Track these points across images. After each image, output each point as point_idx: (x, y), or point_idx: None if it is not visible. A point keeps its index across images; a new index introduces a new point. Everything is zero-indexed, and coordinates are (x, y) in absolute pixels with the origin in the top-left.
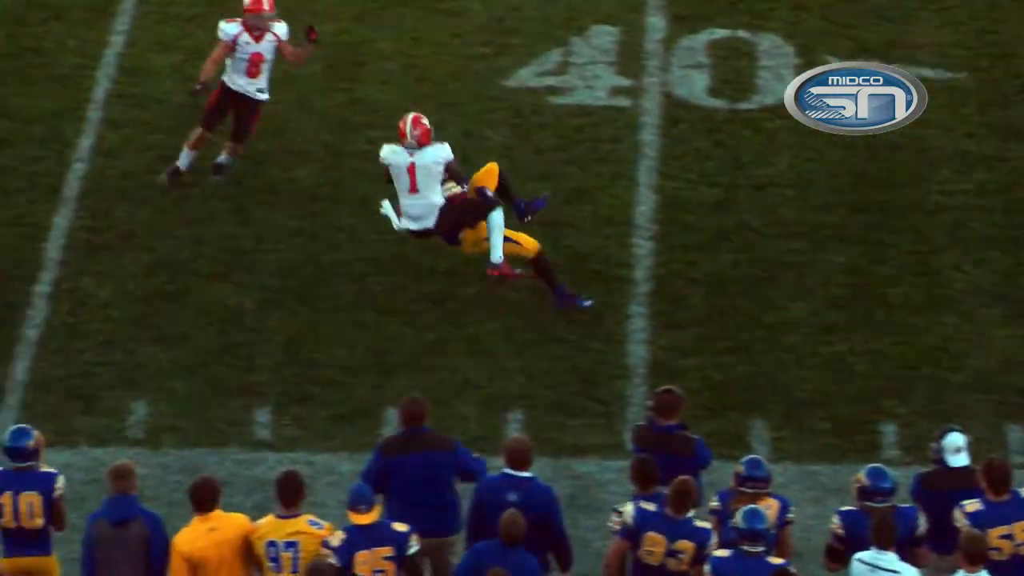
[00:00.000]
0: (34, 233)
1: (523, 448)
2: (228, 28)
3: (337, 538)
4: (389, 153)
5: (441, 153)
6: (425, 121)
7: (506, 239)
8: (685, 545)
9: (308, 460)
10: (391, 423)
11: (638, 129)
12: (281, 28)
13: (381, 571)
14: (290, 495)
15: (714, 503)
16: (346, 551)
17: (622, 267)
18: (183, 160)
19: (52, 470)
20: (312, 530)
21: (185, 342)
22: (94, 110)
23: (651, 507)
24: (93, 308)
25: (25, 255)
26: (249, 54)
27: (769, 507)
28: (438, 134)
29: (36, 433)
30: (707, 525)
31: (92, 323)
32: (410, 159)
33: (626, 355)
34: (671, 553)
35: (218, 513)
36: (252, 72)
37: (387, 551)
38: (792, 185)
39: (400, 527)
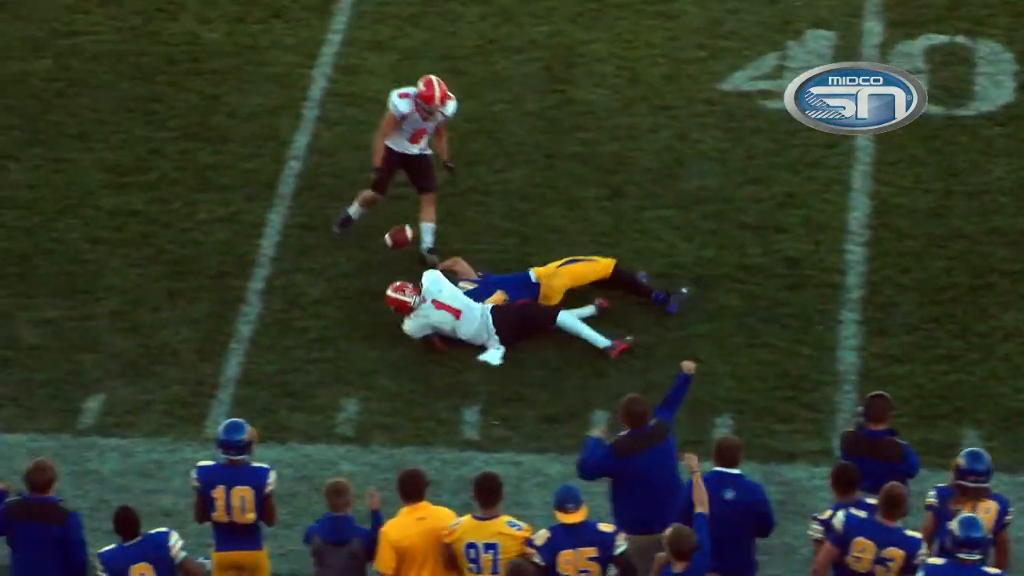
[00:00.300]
0: (249, 230)
1: (734, 446)
2: (401, 106)
3: (541, 537)
4: (422, 321)
5: (436, 277)
6: (410, 285)
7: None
8: (894, 552)
9: (515, 460)
10: (599, 425)
11: (853, 134)
12: (450, 107)
13: (586, 571)
14: (488, 496)
15: (931, 498)
16: (550, 550)
17: (833, 273)
18: (354, 211)
19: (264, 465)
20: (511, 531)
21: (396, 341)
22: (310, 108)
23: (861, 513)
24: (305, 305)
25: (240, 252)
26: (415, 129)
27: (988, 510)
28: (650, 137)
29: (249, 428)
30: (917, 535)
31: (304, 320)
32: (436, 308)
33: (836, 361)
34: (880, 560)
35: (426, 504)
36: (414, 140)
37: (592, 551)
38: (1008, 192)
39: (606, 527)
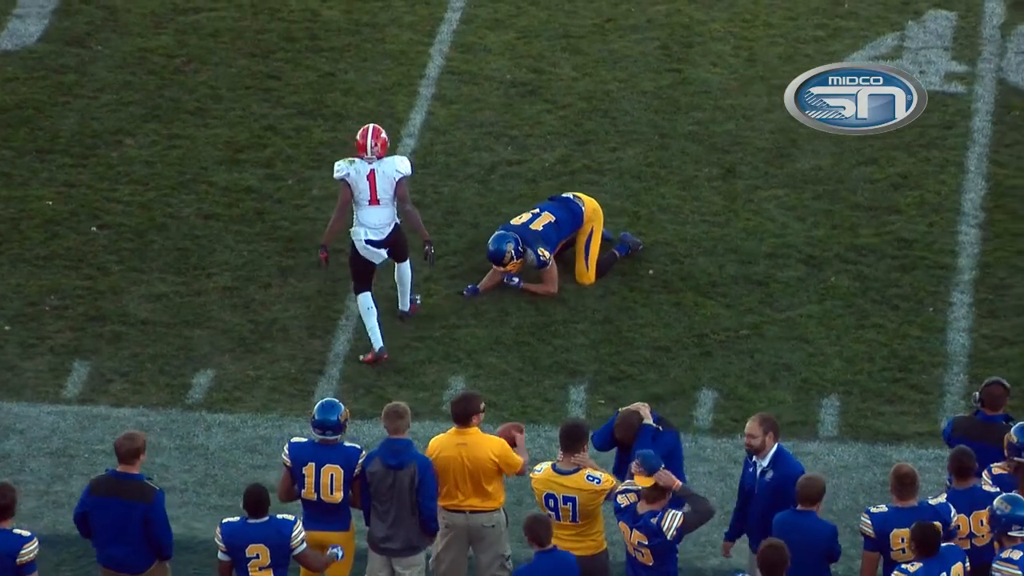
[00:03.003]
0: None
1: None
2: None
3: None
4: (346, 165)
5: (402, 165)
6: (384, 134)
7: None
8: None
9: None
10: (705, 404)
11: (970, 116)
12: None
13: (639, 551)
14: (569, 443)
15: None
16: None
17: (946, 254)
18: None
19: (357, 446)
20: (591, 486)
21: (504, 319)
22: (426, 86)
23: (883, 508)
24: (415, 283)
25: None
26: None
27: None
28: (766, 117)
29: (344, 408)
30: (941, 499)
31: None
32: (370, 167)
33: (946, 343)
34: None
35: (474, 431)
36: None
37: (642, 537)
38: None
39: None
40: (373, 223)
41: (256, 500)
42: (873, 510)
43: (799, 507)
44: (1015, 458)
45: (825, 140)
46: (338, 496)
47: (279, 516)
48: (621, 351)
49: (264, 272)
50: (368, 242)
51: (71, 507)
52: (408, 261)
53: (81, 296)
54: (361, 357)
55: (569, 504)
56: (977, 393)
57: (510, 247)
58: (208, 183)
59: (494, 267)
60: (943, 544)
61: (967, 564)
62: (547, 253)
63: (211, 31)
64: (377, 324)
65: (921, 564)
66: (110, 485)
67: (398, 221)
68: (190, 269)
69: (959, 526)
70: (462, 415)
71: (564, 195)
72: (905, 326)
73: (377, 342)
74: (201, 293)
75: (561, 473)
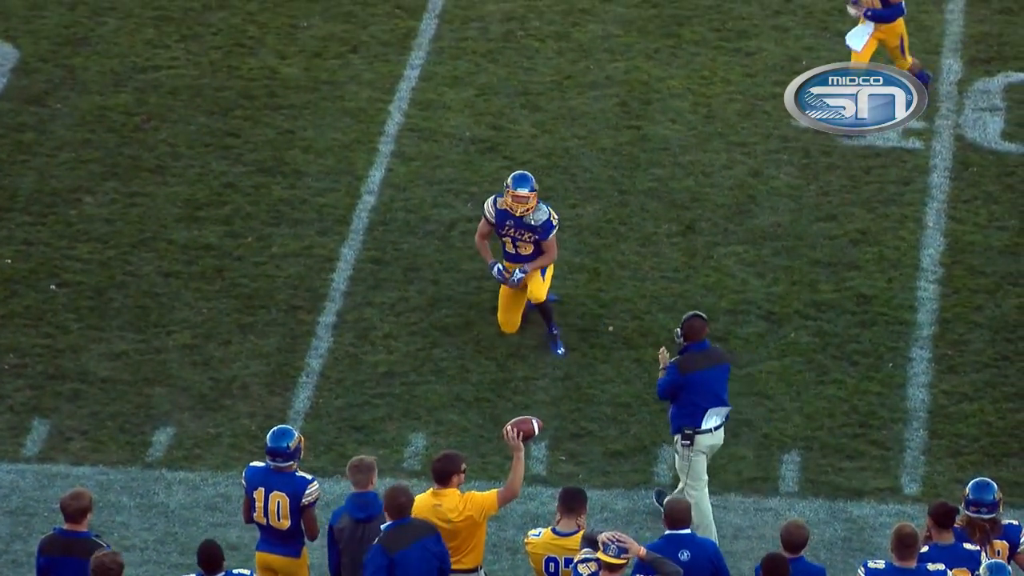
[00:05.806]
0: (322, 264)
1: (685, 508)
2: None
3: None
4: None
5: None
6: None
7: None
8: None
9: None
10: (666, 460)
11: (928, 172)
12: None
13: None
14: (568, 507)
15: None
16: None
17: (905, 310)
18: None
19: (308, 476)
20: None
21: (464, 376)
22: (385, 143)
23: (880, 564)
24: (375, 340)
25: (312, 286)
26: None
27: (999, 551)
28: (725, 174)
29: (297, 435)
30: (940, 567)
31: (374, 354)
32: None
33: (905, 399)
34: None
35: (451, 492)
36: None
37: None
38: None
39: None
40: None
41: (209, 556)
42: (871, 565)
43: (786, 554)
44: (966, 512)
45: (784, 197)
46: (285, 523)
47: (235, 571)
48: (581, 408)
49: (224, 329)
50: None
51: (31, 566)
52: None
53: (40, 354)
54: None
55: (571, 567)
56: (679, 330)
57: (532, 182)
58: (167, 241)
59: (511, 202)
60: None
61: None
62: (555, 215)
63: (170, 89)
64: None
65: None
66: (60, 544)
67: None
68: (150, 327)
69: None
70: (439, 474)
71: None
72: (865, 382)
73: None
74: (161, 351)
75: (562, 535)
